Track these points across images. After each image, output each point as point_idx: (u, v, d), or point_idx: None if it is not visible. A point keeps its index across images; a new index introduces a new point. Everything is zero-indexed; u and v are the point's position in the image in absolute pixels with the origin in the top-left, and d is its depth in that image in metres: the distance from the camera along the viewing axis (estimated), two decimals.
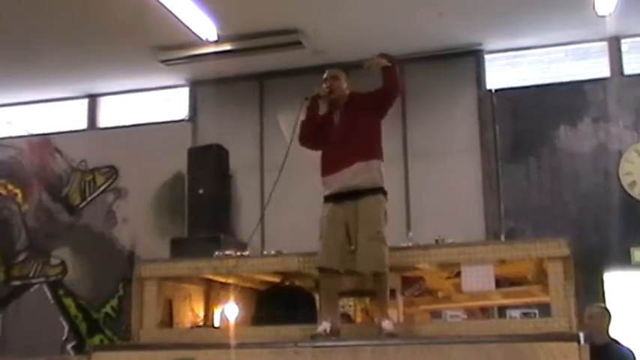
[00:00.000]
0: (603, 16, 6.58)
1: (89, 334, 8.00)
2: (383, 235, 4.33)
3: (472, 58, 7.53)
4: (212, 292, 5.88)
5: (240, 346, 4.38)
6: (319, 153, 4.64)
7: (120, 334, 7.70)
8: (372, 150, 4.48)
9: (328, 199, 4.55)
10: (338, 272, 4.43)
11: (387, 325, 4.26)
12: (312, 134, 4.62)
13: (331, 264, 4.38)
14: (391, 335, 4.17)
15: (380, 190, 4.42)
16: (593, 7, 6.43)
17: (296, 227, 5.99)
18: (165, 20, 6.46)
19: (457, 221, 6.80)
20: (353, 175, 4.41)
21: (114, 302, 7.93)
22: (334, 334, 4.30)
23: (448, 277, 5.41)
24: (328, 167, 4.51)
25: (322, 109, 4.66)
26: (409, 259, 4.79)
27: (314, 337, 4.22)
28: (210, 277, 5.50)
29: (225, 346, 4.35)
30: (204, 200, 7.25)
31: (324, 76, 4.74)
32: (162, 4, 6.12)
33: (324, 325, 4.34)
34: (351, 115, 4.56)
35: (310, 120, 4.65)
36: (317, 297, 5.37)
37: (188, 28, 6.58)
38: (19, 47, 7.25)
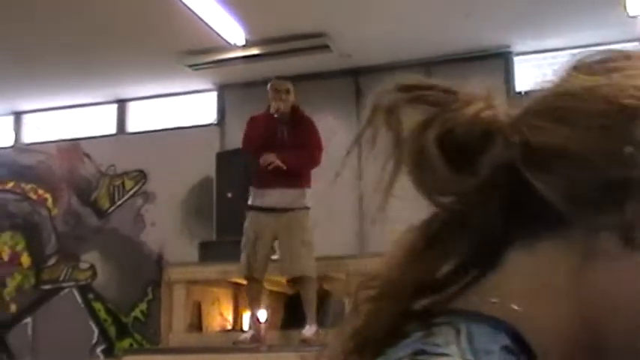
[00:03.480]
0: (635, 17, 6.49)
1: (118, 338, 8.03)
2: (311, 242, 4.84)
3: (501, 60, 7.46)
4: (240, 296, 5.91)
5: (269, 349, 4.39)
6: None
7: (148, 337, 7.72)
8: (308, 178, 5.09)
9: (258, 209, 4.96)
10: (261, 280, 4.85)
11: (307, 330, 4.56)
12: (259, 145, 5.03)
13: (257, 273, 4.77)
14: (306, 342, 4.43)
15: (307, 207, 5.05)
16: (624, 8, 6.34)
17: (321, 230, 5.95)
18: (193, 25, 6.49)
19: None
20: (290, 198, 4.90)
21: (143, 306, 7.95)
22: (256, 340, 4.55)
23: None
24: (266, 181, 4.94)
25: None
26: None
27: (235, 343, 4.47)
28: (239, 280, 5.52)
29: (253, 349, 4.37)
30: (232, 204, 7.26)
31: (273, 87, 5.10)
32: (190, 9, 6.15)
33: (247, 333, 4.62)
34: (296, 138, 5.04)
35: (261, 133, 5.06)
36: (346, 301, 5.37)
37: (216, 32, 6.60)
38: (47, 53, 7.32)
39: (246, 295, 4.89)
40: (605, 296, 0.57)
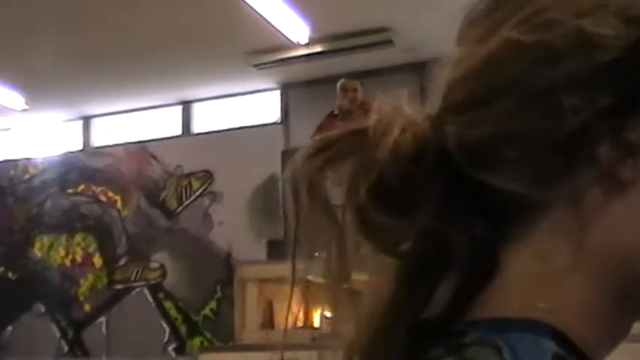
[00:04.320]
0: None
1: (189, 336, 8.15)
2: None
3: None
4: (311, 294, 5.92)
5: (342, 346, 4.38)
6: None
7: (219, 335, 7.81)
8: None
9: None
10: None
11: None
12: None
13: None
14: None
15: None
16: None
17: None
18: (256, 24, 6.52)
19: None
20: None
21: (212, 304, 8.05)
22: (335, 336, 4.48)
23: None
24: None
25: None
26: None
27: (315, 339, 4.38)
28: (312, 278, 5.53)
29: (328, 346, 4.37)
30: None
31: (342, 86, 5.00)
32: (253, 8, 6.19)
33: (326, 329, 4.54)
34: None
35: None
36: None
37: (279, 31, 6.63)
38: (113, 59, 7.47)
39: (322, 292, 4.89)
40: (617, 245, 0.52)
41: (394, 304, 0.56)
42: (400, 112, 0.56)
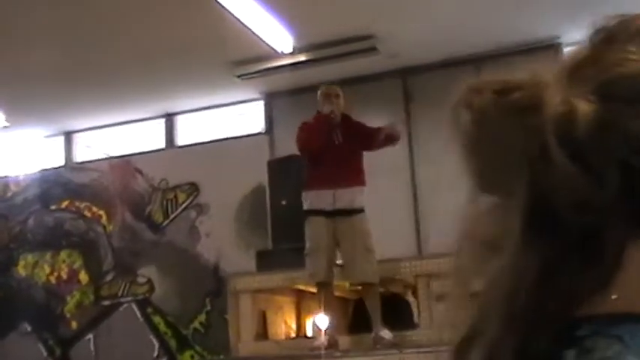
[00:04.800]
0: None
1: (179, 351, 8.07)
2: (373, 248, 4.78)
3: (550, 51, 7.34)
4: (303, 303, 5.89)
5: (344, 354, 4.36)
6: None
7: (209, 348, 7.75)
8: (363, 176, 5.16)
9: (318, 213, 4.94)
10: (332, 285, 4.85)
11: (386, 334, 4.53)
12: (319, 145, 5.01)
13: (327, 277, 4.75)
14: (393, 344, 4.41)
15: (364, 210, 5.04)
16: None
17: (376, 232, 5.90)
18: (240, 35, 6.50)
19: None
20: (348, 197, 4.84)
21: (202, 317, 7.99)
22: (332, 346, 4.53)
23: None
24: (324, 183, 4.90)
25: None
26: None
27: (312, 349, 4.44)
28: (303, 287, 5.50)
29: (329, 355, 4.35)
30: (287, 211, 7.24)
31: (324, 92, 5.10)
32: (237, 18, 6.17)
33: (322, 339, 4.60)
34: (351, 139, 5.03)
35: (320, 137, 5.04)
36: (413, 302, 5.32)
37: (264, 41, 6.61)
38: (95, 72, 7.41)
39: (318, 300, 4.86)
40: None
41: (532, 294, 0.53)
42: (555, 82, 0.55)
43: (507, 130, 0.54)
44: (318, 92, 5.35)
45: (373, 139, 5.03)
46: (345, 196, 5.01)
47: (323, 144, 5.00)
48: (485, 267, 0.54)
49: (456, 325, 0.57)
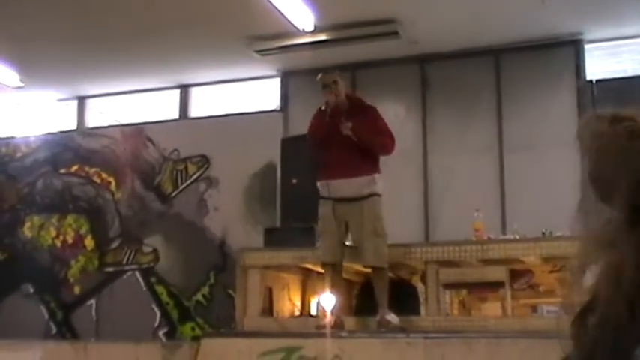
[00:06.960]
0: None
1: (180, 322, 8.11)
2: (385, 232, 4.75)
3: (571, 48, 7.31)
4: (309, 282, 5.91)
5: (351, 335, 4.37)
6: None
7: (211, 321, 7.79)
8: (376, 164, 5.01)
9: (330, 198, 4.90)
10: (340, 266, 4.83)
11: (392, 318, 4.54)
12: (321, 140, 4.94)
13: (335, 259, 4.75)
14: (400, 328, 4.42)
15: (378, 195, 4.94)
16: None
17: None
18: (261, 10, 6.48)
19: (555, 215, 6.62)
20: (360, 186, 4.82)
21: (205, 290, 8.01)
22: (338, 325, 4.55)
23: (551, 271, 5.30)
24: (334, 173, 4.86)
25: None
26: (516, 251, 4.76)
27: (318, 327, 4.46)
28: (311, 266, 5.52)
29: (335, 335, 4.36)
30: (297, 190, 7.24)
31: (321, 81, 5.00)
32: None
33: (328, 318, 4.60)
34: (359, 126, 4.90)
35: (317, 134, 4.98)
36: (421, 288, 5.33)
37: (286, 18, 6.58)
38: (111, 38, 7.39)
39: (324, 280, 4.86)
40: None
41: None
42: None
43: (623, 151, 0.73)
44: (318, 81, 5.25)
45: (372, 136, 4.96)
46: (343, 188, 4.95)
47: (322, 139, 4.95)
48: (598, 259, 0.69)
49: (574, 301, 0.72)
